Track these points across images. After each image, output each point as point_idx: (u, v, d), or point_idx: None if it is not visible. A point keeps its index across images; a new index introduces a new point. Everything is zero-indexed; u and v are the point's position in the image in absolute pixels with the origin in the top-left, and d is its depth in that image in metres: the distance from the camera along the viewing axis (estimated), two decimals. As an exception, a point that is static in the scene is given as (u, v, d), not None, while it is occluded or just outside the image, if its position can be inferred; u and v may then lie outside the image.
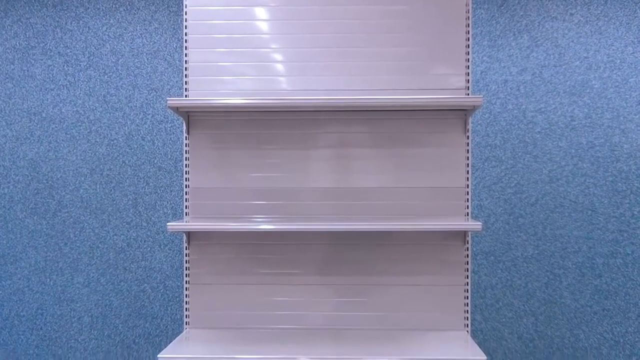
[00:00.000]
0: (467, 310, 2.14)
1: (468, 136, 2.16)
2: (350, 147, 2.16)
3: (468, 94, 2.15)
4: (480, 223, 1.90)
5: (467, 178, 2.16)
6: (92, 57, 3.06)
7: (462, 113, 2.16)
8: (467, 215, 2.14)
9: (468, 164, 2.16)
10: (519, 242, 2.95)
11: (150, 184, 3.03)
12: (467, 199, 2.14)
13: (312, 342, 1.98)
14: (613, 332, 2.95)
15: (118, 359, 3.06)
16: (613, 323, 2.95)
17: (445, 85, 2.15)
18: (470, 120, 2.16)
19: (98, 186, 3.04)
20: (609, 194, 2.93)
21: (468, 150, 2.16)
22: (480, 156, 2.96)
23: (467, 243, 2.14)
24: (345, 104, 2.02)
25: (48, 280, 3.06)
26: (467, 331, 2.13)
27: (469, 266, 2.14)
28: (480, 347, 2.16)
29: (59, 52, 3.06)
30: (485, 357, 1.80)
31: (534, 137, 2.95)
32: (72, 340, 3.07)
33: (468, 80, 2.15)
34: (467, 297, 2.14)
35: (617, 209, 2.93)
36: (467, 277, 2.14)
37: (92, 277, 3.04)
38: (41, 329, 3.07)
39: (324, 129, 2.17)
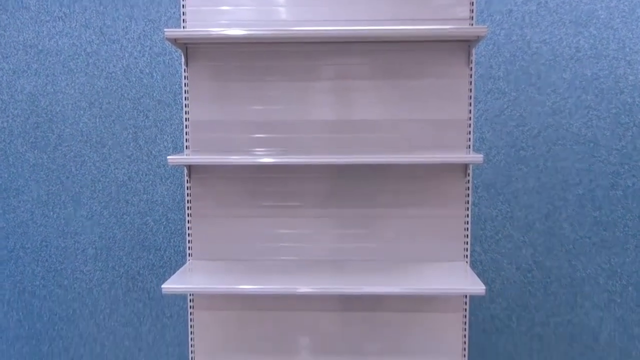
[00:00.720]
0: (467, 242, 2.16)
1: (471, 68, 2.13)
2: (351, 79, 2.14)
3: (472, 24, 2.10)
4: (481, 155, 1.90)
5: (470, 110, 2.14)
6: (87, -13, 2.98)
7: (465, 44, 2.12)
8: (469, 147, 2.13)
9: (470, 96, 2.14)
10: (520, 175, 2.95)
11: (150, 117, 3.01)
12: (469, 132, 2.13)
13: (313, 274, 2.01)
14: (611, 263, 2.99)
15: (123, 290, 3.12)
16: (611, 254, 2.98)
17: (448, 15, 2.10)
18: (473, 51, 2.12)
19: (97, 120, 3.02)
20: (611, 126, 2.91)
21: (471, 82, 2.13)
22: (482, 88, 2.93)
23: (468, 175, 2.14)
24: (346, 34, 1.98)
25: (51, 213, 3.08)
26: (467, 262, 2.16)
27: (470, 198, 2.15)
28: (479, 278, 2.20)
29: (52, -18, 2.98)
30: (484, 287, 1.83)
31: (538, 68, 2.91)
32: (78, 272, 3.12)
33: (472, 10, 2.10)
34: (467, 228, 2.16)
35: (620, 142, 2.91)
36: (468, 209, 2.15)
37: (95, 210, 3.07)
38: (46, 260, 3.11)
39: (325, 60, 2.14)
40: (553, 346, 3.06)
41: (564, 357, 3.06)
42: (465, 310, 2.17)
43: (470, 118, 2.13)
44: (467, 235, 2.16)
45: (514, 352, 3.07)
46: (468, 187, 2.15)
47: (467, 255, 2.17)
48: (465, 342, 2.18)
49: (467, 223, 2.15)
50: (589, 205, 2.96)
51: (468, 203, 2.15)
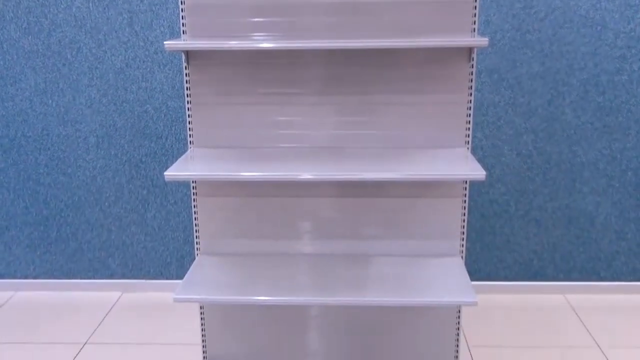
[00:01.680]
0: (469, 128, 2.15)
1: (478, -55, 2.03)
2: (353, -41, 2.04)
3: None
4: (486, 39, 1.85)
5: (475, -9, 2.06)
6: None
7: None
8: (474, 31, 2.07)
9: (477, -24, 2.05)
10: (524, 59, 2.90)
11: (145, 1, 2.91)
12: (474, 14, 2.06)
13: (313, 161, 2.02)
14: (611, 148, 2.99)
15: (126, 177, 3.15)
16: (612, 139, 2.98)
17: None
18: None
19: (90, 4, 2.92)
20: (620, 9, 2.82)
21: (478, -40, 2.04)
22: (490, -32, 2.81)
23: (472, 60, 2.10)
24: None
25: (50, 101, 3.05)
26: (468, 148, 2.16)
27: (473, 84, 2.12)
28: (479, 164, 2.21)
29: None
30: (484, 173, 1.85)
31: (549, -54, 2.78)
32: (80, 160, 3.14)
33: None
34: (469, 115, 2.14)
35: (628, 24, 2.83)
36: (471, 95, 2.12)
37: (94, 98, 3.04)
38: (48, 149, 3.12)
39: (325, -62, 2.03)
40: (550, 230, 3.13)
41: (560, 241, 3.14)
42: (465, 195, 2.20)
43: (475, 0, 2.06)
44: (469, 121, 2.15)
45: (511, 235, 3.14)
46: (472, 72, 2.11)
47: (468, 142, 2.16)
48: (464, 227, 2.22)
49: (470, 109, 2.14)
50: (593, 90, 2.92)
51: (471, 89, 2.12)
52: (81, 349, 2.80)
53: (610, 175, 3.03)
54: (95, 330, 2.97)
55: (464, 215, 2.21)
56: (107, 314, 3.12)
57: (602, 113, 2.95)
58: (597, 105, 2.94)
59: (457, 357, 2.34)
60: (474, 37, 1.99)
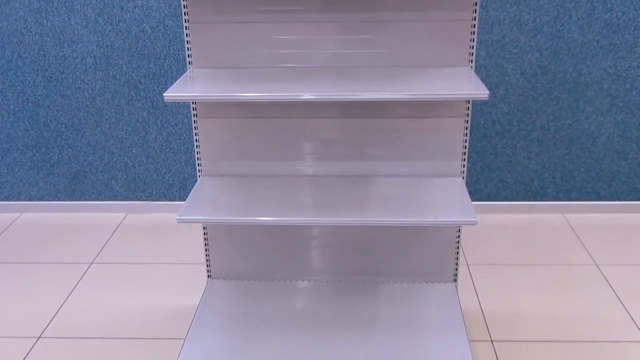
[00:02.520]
0: (473, 47, 2.11)
1: None
2: None
3: None
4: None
5: None
6: None
7: None
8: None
9: None
10: (531, -26, 2.81)
11: None
12: None
13: (315, 80, 1.99)
14: (616, 67, 2.95)
15: (126, 99, 3.13)
16: (617, 58, 2.93)
17: None
18: None
19: None
20: None
21: None
22: None
23: (478, -25, 2.04)
24: None
25: (45, 21, 2.99)
26: (471, 67, 2.13)
27: (478, 0, 2.06)
28: (483, 83, 2.17)
29: None
30: (487, 92, 1.82)
31: None
32: (79, 81, 3.10)
33: None
34: (474, 32, 2.09)
35: (640, -64, 2.74)
36: (475, 12, 2.07)
37: (90, 17, 2.97)
38: (46, 70, 3.08)
39: None
40: (551, 150, 3.12)
41: (561, 160, 3.14)
42: (468, 115, 2.18)
43: None
44: (474, 39, 2.11)
45: (512, 155, 3.14)
46: (476, -12, 2.05)
47: (472, 60, 2.13)
48: (465, 147, 2.22)
49: (474, 27, 2.09)
50: (600, 6, 2.85)
51: (476, 5, 2.06)
52: (88, 268, 2.86)
53: (614, 94, 3.00)
54: (101, 250, 3.02)
55: (466, 135, 2.21)
56: (112, 235, 3.17)
57: (609, 30, 2.89)
58: (604, 22, 2.87)
59: (456, 274, 2.39)
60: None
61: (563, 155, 3.13)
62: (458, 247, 2.36)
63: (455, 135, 2.21)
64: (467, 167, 3.13)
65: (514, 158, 3.15)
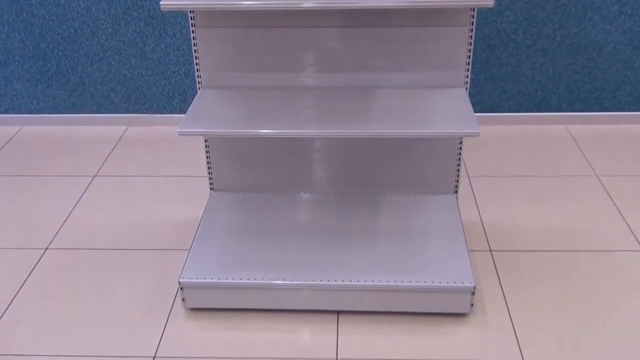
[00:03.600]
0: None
1: None
2: None
3: None
4: None
5: None
6: None
7: None
8: None
9: None
10: None
11: None
12: None
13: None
14: None
15: (122, 8, 3.05)
16: None
17: None
18: None
19: None
20: None
21: None
22: None
23: None
24: None
25: None
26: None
27: None
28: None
29: None
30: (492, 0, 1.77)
31: None
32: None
33: None
34: None
35: None
36: None
37: None
38: None
39: None
40: (557, 59, 3.07)
41: (565, 70, 3.10)
42: (472, 24, 2.13)
43: None
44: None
45: (517, 65, 3.09)
46: None
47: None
48: (469, 57, 2.18)
49: None
50: None
51: None
52: (91, 181, 2.88)
53: (623, 1, 2.92)
54: (103, 163, 3.03)
55: (470, 45, 2.16)
56: (113, 148, 3.17)
57: None
58: None
59: (457, 186, 2.41)
60: None
61: (568, 65, 3.08)
62: (459, 159, 2.36)
63: (459, 44, 2.16)
64: (471, 77, 3.08)
65: (518, 68, 3.10)
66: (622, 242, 2.37)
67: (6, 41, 3.16)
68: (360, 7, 1.79)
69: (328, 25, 2.16)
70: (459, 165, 2.37)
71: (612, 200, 2.62)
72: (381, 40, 2.17)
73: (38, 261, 2.35)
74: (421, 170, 2.39)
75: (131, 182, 2.86)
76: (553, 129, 3.21)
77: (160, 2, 1.83)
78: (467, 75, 2.21)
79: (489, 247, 2.37)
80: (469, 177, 2.83)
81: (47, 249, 2.42)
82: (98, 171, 2.96)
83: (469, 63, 2.19)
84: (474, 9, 2.12)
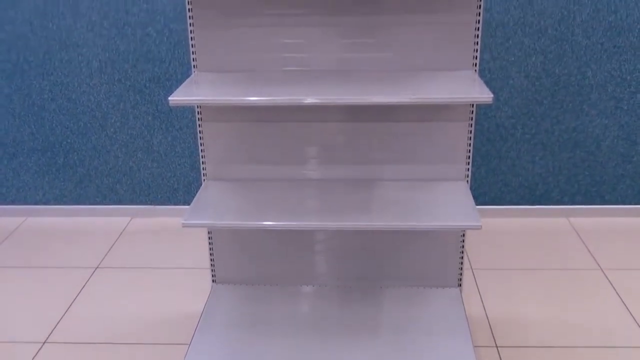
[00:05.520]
0: (477, 50, 2.11)
1: None
2: None
3: None
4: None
5: None
6: None
7: None
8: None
9: None
10: (535, -22, 2.81)
11: None
12: None
13: (319, 84, 2.00)
14: (621, 70, 2.94)
15: (131, 103, 3.14)
16: (622, 60, 2.93)
17: None
18: None
19: None
20: None
21: None
22: None
23: (481, -21, 2.04)
24: None
25: (50, 24, 3.00)
26: (475, 70, 2.13)
27: (482, 3, 2.06)
28: (487, 86, 2.17)
29: None
30: (491, 96, 1.82)
31: None
32: (84, 85, 3.11)
33: None
34: (477, 35, 2.09)
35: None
36: (479, 15, 2.07)
37: (95, 21, 2.98)
38: (51, 74, 3.09)
39: None
40: (556, 153, 3.12)
41: (565, 164, 3.14)
42: (472, 119, 2.18)
43: None
44: (477, 42, 2.11)
45: (516, 158, 3.14)
46: (480, -8, 2.05)
47: (475, 64, 2.13)
48: (469, 151, 2.22)
49: (478, 30, 2.09)
50: (605, 9, 2.84)
51: (480, 8, 2.06)
52: (93, 273, 2.87)
53: (618, 97, 3.00)
54: (106, 255, 3.03)
55: (470, 139, 2.20)
56: (117, 239, 3.17)
57: (613, 33, 2.88)
58: (608, 24, 2.87)
59: (460, 279, 2.39)
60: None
61: (567, 159, 3.13)
62: (462, 252, 2.35)
63: (459, 138, 2.21)
64: (472, 170, 3.12)
65: (518, 162, 3.15)
66: (629, 338, 2.33)
67: (17, 134, 3.23)
68: (362, 103, 1.84)
69: (331, 119, 2.21)
70: (462, 258, 2.36)
71: (618, 295, 2.59)
72: (383, 134, 2.22)
73: (35, 355, 2.30)
74: (424, 263, 2.38)
75: (133, 275, 2.85)
76: (555, 222, 3.22)
77: (169, 98, 1.89)
78: (468, 168, 2.24)
79: (495, 343, 2.32)
80: (472, 270, 2.81)
81: (45, 342, 2.38)
82: (100, 263, 2.95)
83: (469, 157, 2.23)
84: (473, 104, 2.17)
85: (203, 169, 2.30)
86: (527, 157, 3.14)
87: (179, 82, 3.09)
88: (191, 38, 2.16)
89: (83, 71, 3.08)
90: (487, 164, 3.16)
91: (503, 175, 3.18)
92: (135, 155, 3.25)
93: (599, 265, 2.81)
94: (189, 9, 2.12)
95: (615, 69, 2.94)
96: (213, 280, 2.46)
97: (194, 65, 2.19)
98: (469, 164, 2.24)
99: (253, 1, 2.10)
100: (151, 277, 2.82)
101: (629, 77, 2.95)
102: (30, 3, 2.97)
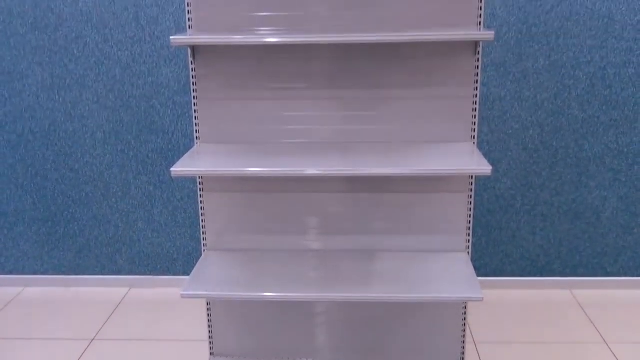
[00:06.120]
0: (475, 123, 2.15)
1: (484, -61, 2.02)
2: (358, -47, 2.04)
3: None
4: (492, 32, 1.84)
5: (481, -15, 2.05)
6: None
7: None
8: (479, 24, 2.07)
9: (483, -30, 2.04)
10: (530, 53, 2.89)
11: (151, -4, 2.92)
12: (480, 7, 2.06)
13: (320, 156, 2.02)
14: (618, 142, 2.98)
15: (133, 173, 3.16)
16: (619, 133, 2.97)
17: None
18: None
19: None
20: (627, 1, 2.80)
21: (483, -46, 2.03)
22: (496, -39, 2.80)
23: (478, 54, 2.10)
24: None
25: (57, 97, 3.06)
26: (474, 143, 2.16)
27: (479, 78, 2.11)
28: (485, 158, 2.20)
29: None
30: (490, 168, 1.84)
31: (555, -61, 2.77)
32: (87, 156, 3.15)
33: None
34: (475, 109, 2.14)
35: (635, 16, 2.82)
36: (476, 89, 2.12)
37: (101, 93, 3.05)
38: (56, 144, 3.13)
39: None
40: (556, 225, 3.12)
41: (566, 235, 3.13)
42: (471, 190, 2.20)
43: (481, -6, 2.05)
44: (475, 115, 2.15)
45: (517, 230, 3.14)
46: (477, 66, 2.10)
47: (474, 136, 2.16)
48: (469, 222, 2.22)
49: (476, 103, 2.13)
50: (600, 83, 2.91)
51: (477, 82, 2.11)
52: (89, 344, 2.82)
53: (616, 169, 3.02)
54: (103, 326, 2.98)
55: (470, 210, 2.21)
56: (114, 310, 3.13)
57: (609, 107, 2.94)
58: (604, 98, 2.93)
59: (463, 353, 2.34)
60: (480, 30, 1.98)
61: (568, 230, 3.13)
62: (465, 324, 2.32)
63: (459, 210, 2.22)
64: (472, 242, 3.12)
65: (519, 233, 3.15)
66: (639, 414, 2.26)
67: (18, 203, 3.25)
68: (362, 175, 1.86)
69: (331, 190, 2.23)
70: (464, 330, 2.33)
71: (625, 369, 2.54)
72: (382, 205, 2.23)
73: None
74: (426, 335, 2.34)
75: (129, 347, 2.80)
76: (558, 294, 3.18)
77: (172, 169, 1.91)
78: (469, 240, 2.24)
79: (500, 418, 2.25)
80: (475, 343, 2.76)
81: (37, 416, 2.32)
82: (96, 335, 2.90)
83: (469, 228, 2.23)
84: (472, 176, 2.19)
85: (203, 239, 2.30)
86: (527, 229, 3.14)
87: (182, 153, 3.12)
88: (195, 110, 2.20)
89: (87, 142, 3.13)
90: (487, 235, 3.16)
91: (504, 246, 3.17)
92: (135, 225, 3.25)
93: (603, 338, 2.76)
94: (193, 82, 2.17)
95: (612, 142, 2.98)
96: (211, 353, 2.41)
97: (196, 137, 2.22)
98: (469, 235, 2.24)
99: (255, 75, 2.15)
100: (148, 349, 2.77)
101: (625, 150, 2.99)
102: (38, 76, 3.04)
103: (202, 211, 2.28)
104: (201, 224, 2.29)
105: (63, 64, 3.02)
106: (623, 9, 2.80)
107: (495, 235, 3.16)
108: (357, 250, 2.27)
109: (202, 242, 2.30)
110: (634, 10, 2.81)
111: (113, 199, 3.21)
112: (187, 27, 2.14)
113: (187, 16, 2.12)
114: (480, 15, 2.06)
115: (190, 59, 2.16)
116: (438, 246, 2.25)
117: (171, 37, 1.92)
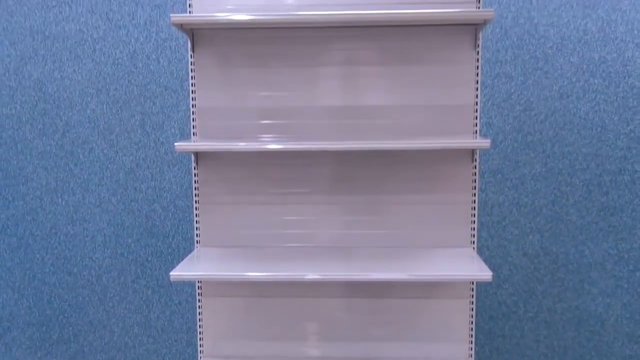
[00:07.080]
0: (474, 228, 2.16)
1: (478, 52, 2.11)
2: (357, 65, 2.13)
3: (479, 7, 2.09)
4: (488, 140, 1.89)
5: (476, 95, 2.13)
6: (92, -26, 2.98)
7: (472, 28, 2.11)
8: (476, 133, 2.12)
9: (477, 81, 2.13)
10: (527, 160, 2.94)
11: (157, 103, 3.01)
12: (476, 117, 2.12)
13: (320, 260, 2.02)
14: (618, 249, 2.98)
15: (132, 277, 3.14)
16: (618, 239, 2.97)
17: (455, -1, 2.09)
18: (480, 35, 2.11)
19: (105, 106, 3.03)
20: (619, 110, 2.89)
21: (478, 66, 2.12)
22: (490, 73, 2.91)
23: (475, 161, 2.14)
24: (352, 19, 1.97)
25: (60, 200, 3.09)
26: (473, 248, 2.16)
27: (477, 184, 2.15)
28: (486, 264, 2.20)
29: (58, -31, 2.98)
30: (490, 273, 1.84)
31: (546, 52, 2.89)
32: (87, 259, 3.14)
33: (479, -6, 2.09)
34: (474, 215, 2.15)
35: (627, 126, 2.90)
36: (475, 195, 2.15)
37: (103, 197, 3.08)
38: (55, 248, 3.13)
39: (331, 45, 2.13)
40: (560, 332, 3.06)
41: (570, 343, 3.07)
42: (472, 296, 2.17)
43: (477, 103, 2.12)
44: (474, 221, 2.16)
45: (521, 337, 3.07)
46: (475, 173, 2.14)
47: (474, 242, 2.17)
48: (472, 329, 2.19)
49: (474, 209, 2.15)
50: (596, 190, 2.95)
51: (475, 189, 2.15)
52: None
53: (618, 275, 3.01)
54: None
55: (472, 317, 2.18)
56: (105, 420, 3.01)
57: (607, 213, 2.96)
58: (601, 205, 2.96)
59: None
60: (476, 138, 2.04)
61: (572, 338, 3.06)
62: None
63: (460, 316, 2.18)
64: (475, 350, 3.04)
65: (523, 341, 3.08)
66: None
67: (14, 307, 3.20)
68: (361, 280, 1.85)
69: (331, 295, 2.20)
70: None
71: None
72: (383, 312, 2.20)
73: None
74: None
75: None
76: (566, 405, 3.07)
77: (171, 273, 1.90)
78: (471, 347, 2.19)
79: None
80: None
81: None
82: None
83: (472, 335, 2.19)
84: (473, 282, 2.18)
85: (200, 345, 2.25)
86: (531, 336, 3.07)
87: (182, 257, 3.11)
88: (196, 215, 2.22)
89: (87, 245, 3.13)
90: (490, 343, 3.09)
91: (508, 354, 3.10)
92: (131, 331, 3.19)
93: None
94: (195, 187, 2.20)
95: (612, 248, 2.98)
96: None
97: (197, 241, 2.23)
98: (471, 342, 2.19)
99: (257, 180, 2.19)
100: None
101: (626, 256, 2.98)
102: (42, 180, 3.09)
103: (200, 316, 2.24)
104: (198, 329, 2.25)
105: (68, 168, 3.07)
106: (615, 118, 2.89)
107: (499, 343, 3.09)
108: (357, 357, 2.22)
109: (199, 349, 2.25)
110: (626, 120, 2.89)
111: (110, 303, 3.17)
112: (192, 133, 2.19)
113: (192, 123, 2.18)
114: (476, 124, 2.12)
115: (194, 164, 2.20)
116: (440, 354, 2.20)
117: (176, 144, 1.96)
